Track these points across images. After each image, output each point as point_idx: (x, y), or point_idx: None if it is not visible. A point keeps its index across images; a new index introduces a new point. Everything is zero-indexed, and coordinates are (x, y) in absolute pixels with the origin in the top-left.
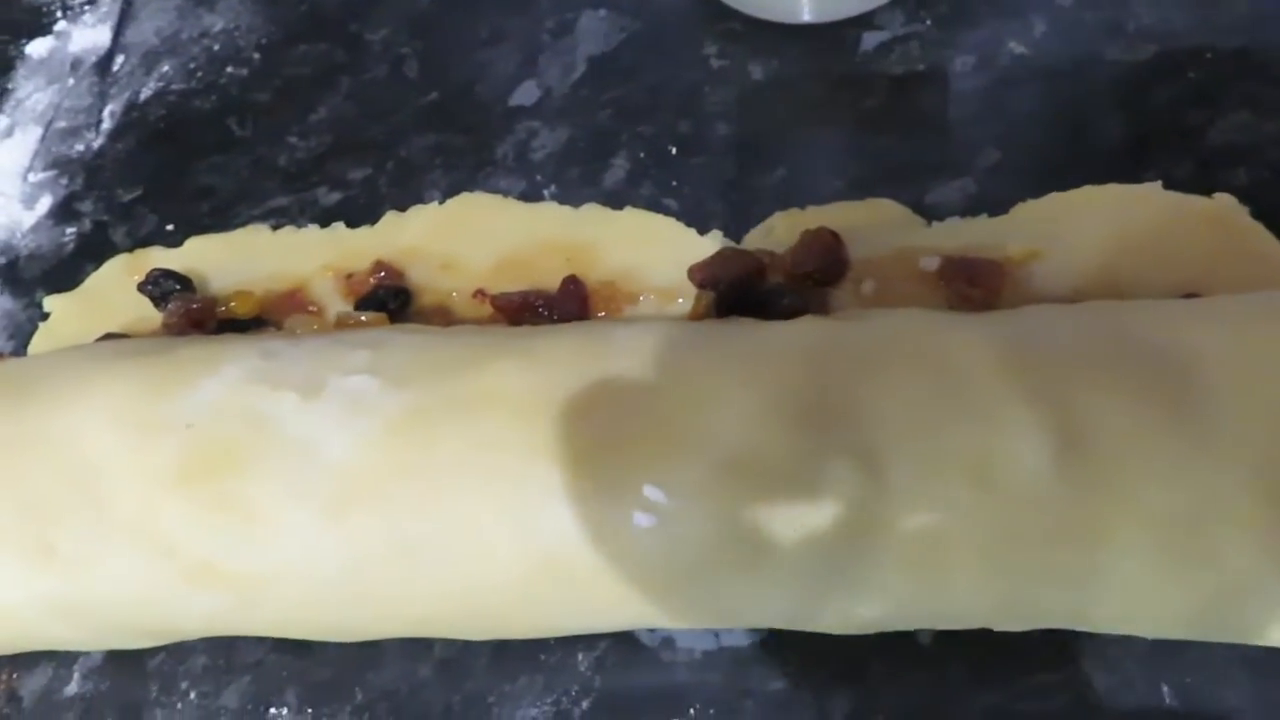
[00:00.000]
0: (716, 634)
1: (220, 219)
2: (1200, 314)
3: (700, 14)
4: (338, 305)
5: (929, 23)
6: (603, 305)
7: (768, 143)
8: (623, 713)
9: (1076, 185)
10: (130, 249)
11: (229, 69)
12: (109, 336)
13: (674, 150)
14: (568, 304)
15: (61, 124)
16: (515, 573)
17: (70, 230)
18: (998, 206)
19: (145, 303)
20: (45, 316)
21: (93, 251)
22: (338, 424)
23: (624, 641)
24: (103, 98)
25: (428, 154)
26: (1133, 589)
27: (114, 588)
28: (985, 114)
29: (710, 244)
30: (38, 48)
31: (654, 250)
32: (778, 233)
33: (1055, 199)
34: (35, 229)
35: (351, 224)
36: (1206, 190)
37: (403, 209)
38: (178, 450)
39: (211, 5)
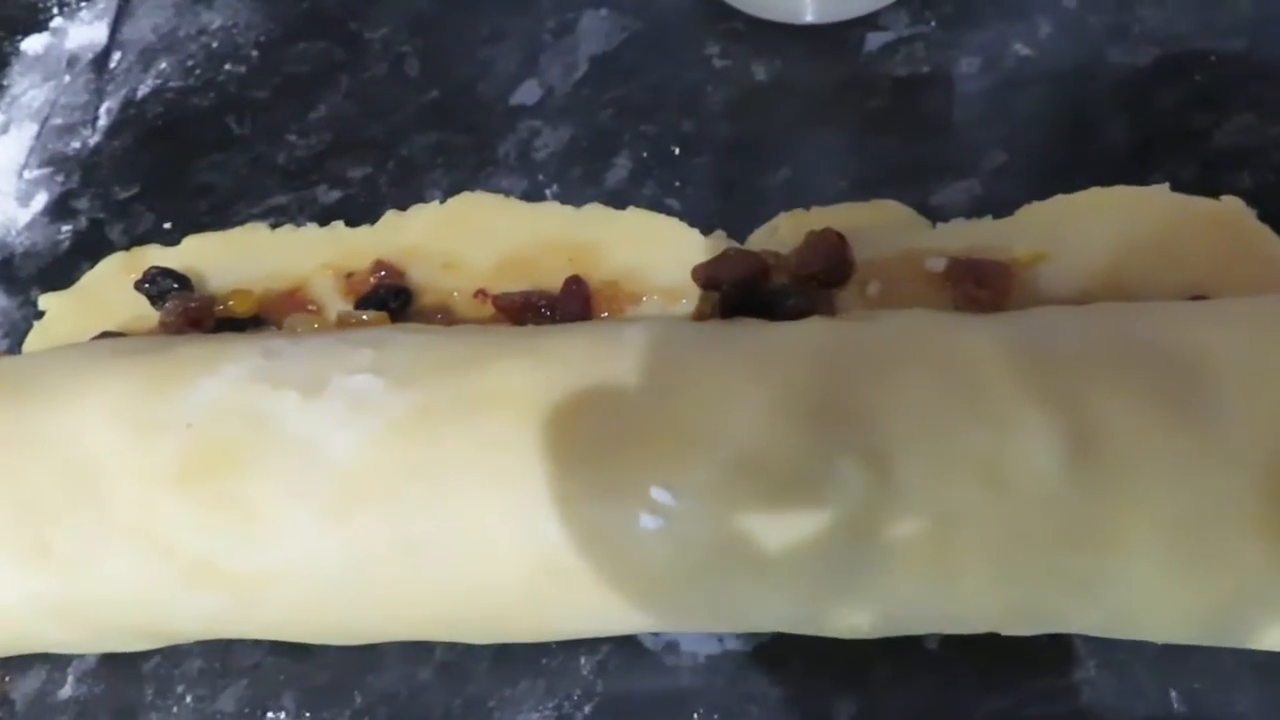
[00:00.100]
0: (720, 638)
1: (218, 217)
2: (1210, 316)
3: (702, 14)
4: (337, 304)
5: (934, 24)
6: (605, 306)
7: (771, 143)
8: (625, 717)
9: (1081, 187)
10: (127, 247)
11: (227, 66)
12: (105, 335)
13: (677, 150)
14: (570, 304)
15: (58, 121)
16: (519, 574)
17: (66, 228)
18: (1003, 208)
19: (142, 301)
20: (40, 315)
21: (89, 249)
22: (340, 423)
23: (626, 645)
24: (99, 95)
25: (429, 153)
26: (1143, 592)
27: (111, 588)
28: (990, 116)
29: (714, 244)
30: (33, 44)
31: (657, 250)
32: (782, 233)
33: (1061, 201)
34: (30, 226)
35: (351, 223)
36: (1212, 193)
37: (403, 208)
38: (177, 449)
39: (210, 2)
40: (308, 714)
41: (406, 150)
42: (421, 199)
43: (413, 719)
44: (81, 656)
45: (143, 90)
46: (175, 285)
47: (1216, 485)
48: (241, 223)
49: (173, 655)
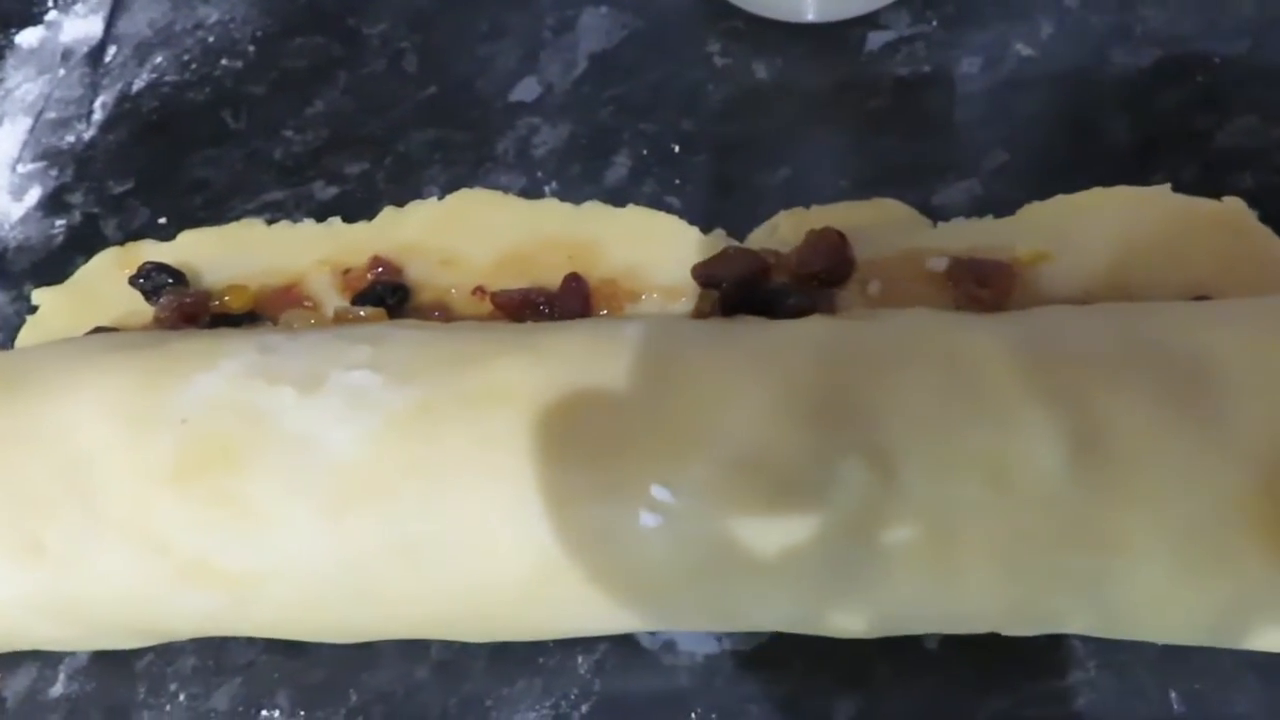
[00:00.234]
0: (719, 637)
1: (214, 212)
2: (1215, 316)
3: (703, 12)
4: (334, 301)
5: (935, 24)
6: (604, 303)
7: (771, 142)
8: (622, 717)
9: (1083, 187)
10: (121, 242)
11: (224, 61)
12: (99, 330)
13: (676, 148)
14: (569, 302)
15: (52, 115)
16: (518, 572)
17: (60, 222)
18: (1004, 208)
19: (136, 297)
20: (34, 310)
21: (83, 244)
22: (338, 419)
23: (624, 644)
24: (94, 89)
25: (427, 149)
26: (1146, 593)
27: (105, 585)
28: (992, 115)
29: (713, 243)
30: (28, 37)
31: (656, 248)
32: (782, 232)
33: (1062, 201)
34: (24, 221)
35: (349, 219)
36: (1214, 194)
37: (401, 204)
38: (172, 445)
39: None
40: (302, 712)
41: (404, 146)
42: (419, 195)
43: (408, 718)
44: (73, 654)
45: (138, 84)
46: (170, 280)
47: (1220, 486)
48: (237, 218)
49: (166, 653)
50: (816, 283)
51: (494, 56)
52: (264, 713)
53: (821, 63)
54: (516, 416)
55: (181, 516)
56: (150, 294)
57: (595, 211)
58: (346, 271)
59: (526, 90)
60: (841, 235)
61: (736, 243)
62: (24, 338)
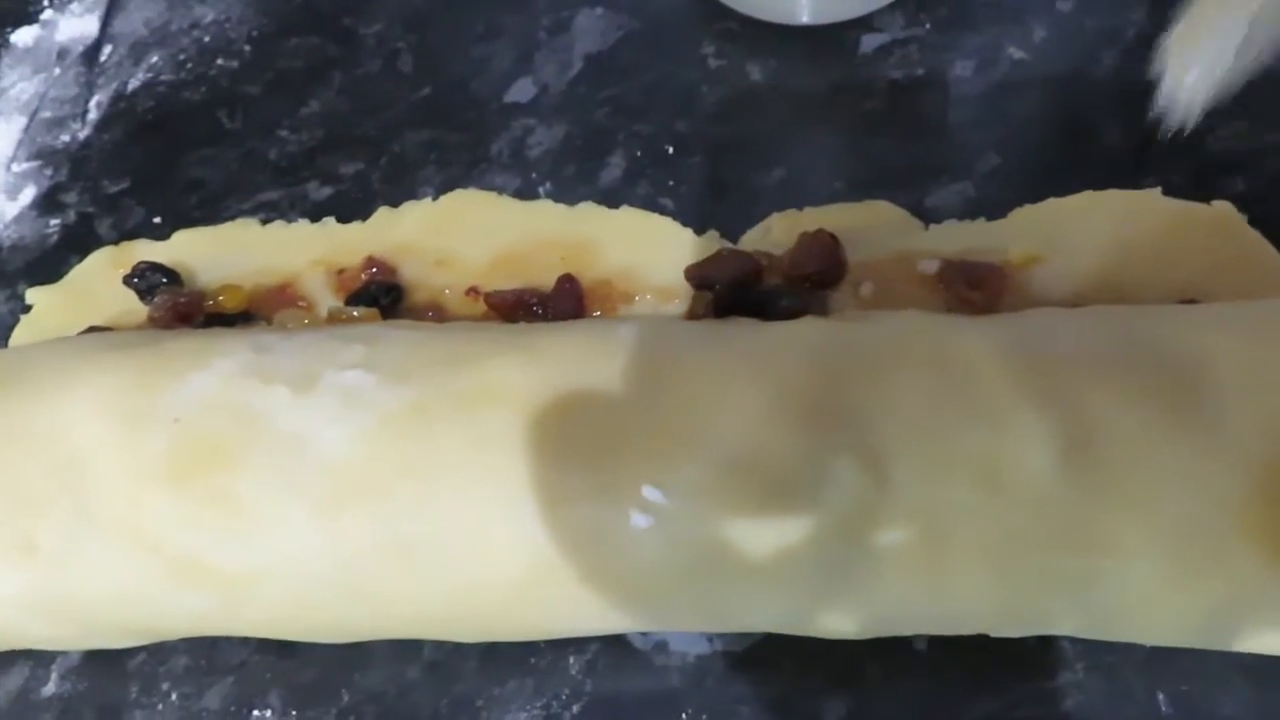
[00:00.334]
0: (710, 638)
1: (209, 212)
2: (1207, 320)
3: (698, 13)
4: (328, 300)
5: (928, 26)
6: (598, 304)
7: (765, 143)
8: (614, 717)
9: (1075, 190)
10: (116, 241)
11: (219, 61)
12: (93, 330)
13: (671, 150)
14: (563, 303)
15: (47, 114)
16: (512, 573)
17: (54, 222)
18: (996, 211)
19: (130, 296)
20: (28, 309)
21: (77, 243)
22: (332, 419)
23: (616, 645)
24: (89, 88)
25: (421, 150)
26: (1137, 594)
27: (97, 585)
28: (984, 118)
29: (707, 244)
30: (23, 36)
31: (650, 250)
32: (775, 234)
33: (1054, 204)
34: (18, 220)
35: (343, 219)
36: (1204, 198)
37: (396, 205)
38: (165, 445)
39: None
40: (294, 712)
41: (399, 147)
42: (414, 196)
43: (400, 718)
44: (65, 653)
45: (133, 84)
46: (164, 280)
47: (1211, 488)
48: (232, 218)
49: (158, 652)
50: (809, 285)
51: (489, 57)
52: (256, 712)
53: (815, 65)
54: (510, 417)
55: (175, 516)
56: (144, 293)
57: (589, 213)
58: (341, 272)
59: (521, 91)
60: (834, 237)
61: (730, 244)
62: (18, 337)
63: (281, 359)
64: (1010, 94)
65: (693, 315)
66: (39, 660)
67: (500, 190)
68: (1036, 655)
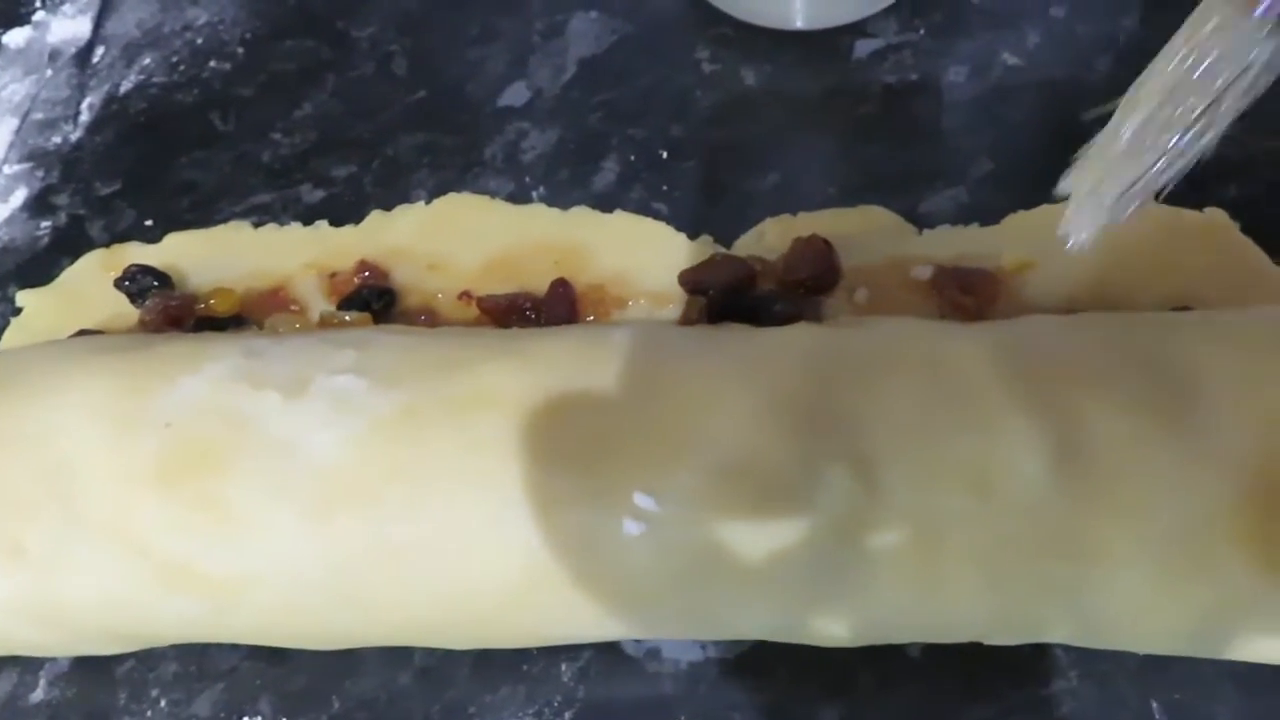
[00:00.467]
0: (703, 645)
1: (201, 215)
2: (1199, 327)
3: (692, 18)
4: (320, 305)
5: (922, 32)
6: (591, 309)
7: (759, 148)
8: None
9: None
10: (107, 244)
11: (212, 63)
12: (83, 333)
13: (665, 154)
14: (556, 307)
15: (38, 116)
16: (502, 579)
17: (45, 224)
18: (990, 216)
19: (121, 299)
20: (18, 312)
21: (68, 246)
22: (323, 424)
23: (608, 651)
24: (81, 90)
25: (415, 153)
26: (1129, 603)
27: (86, 590)
28: (978, 124)
29: (701, 249)
30: (15, 38)
31: (644, 254)
32: (769, 238)
33: (1047, 211)
34: (9, 222)
35: (336, 223)
36: (1197, 204)
37: (388, 208)
38: (155, 449)
39: None
40: (284, 719)
41: (392, 150)
42: (407, 199)
43: None
44: (54, 659)
45: (126, 86)
46: (156, 283)
47: (1202, 495)
48: (224, 221)
49: (147, 658)
50: (803, 290)
51: (483, 61)
52: (245, 719)
53: (809, 70)
54: (502, 422)
55: (164, 521)
56: (135, 296)
57: (583, 217)
58: (333, 275)
59: (515, 95)
60: (828, 243)
61: (724, 249)
62: (8, 340)
63: (272, 364)
64: (1004, 99)
65: (686, 320)
66: (27, 666)
67: (494, 194)
68: (1030, 663)
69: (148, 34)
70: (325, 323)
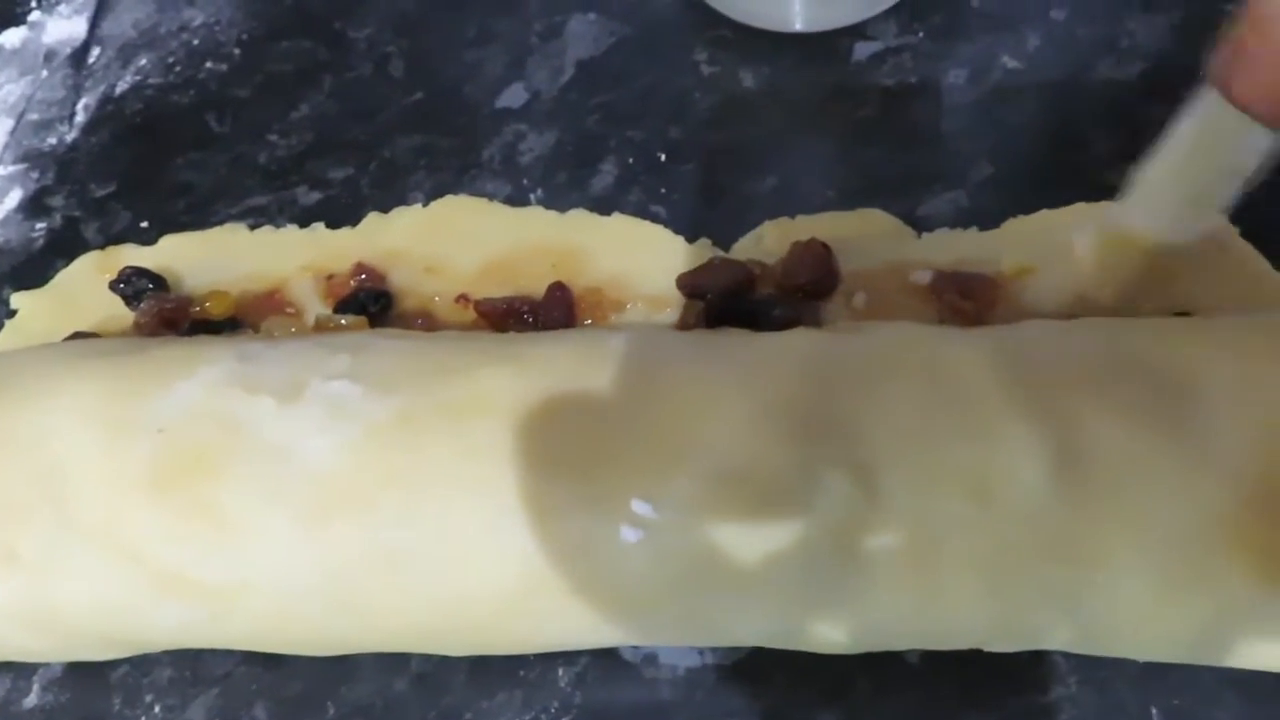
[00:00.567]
0: (700, 651)
1: (197, 217)
2: (1198, 333)
3: (691, 20)
4: (316, 307)
5: (922, 35)
6: (589, 312)
7: (758, 151)
8: None
9: (1068, 201)
10: (102, 246)
11: (208, 64)
12: (78, 335)
13: (663, 157)
14: (553, 311)
15: (33, 116)
16: (499, 586)
17: (40, 225)
18: (989, 220)
19: (116, 302)
20: (12, 314)
21: (63, 248)
22: (318, 429)
23: (605, 657)
24: (77, 90)
25: (412, 155)
26: (1128, 609)
27: (79, 595)
28: (978, 127)
29: (699, 253)
30: (10, 38)
31: (642, 258)
32: (767, 242)
33: (1046, 215)
34: (4, 224)
35: (332, 225)
36: None
37: (385, 210)
38: (149, 454)
39: None
40: None
41: (389, 152)
42: (404, 201)
43: None
44: (47, 665)
45: (121, 87)
46: (151, 285)
47: (1202, 502)
48: (220, 223)
49: (141, 664)
50: (802, 295)
51: (481, 62)
52: None
53: (808, 72)
54: (498, 427)
55: (158, 526)
56: (130, 299)
57: (581, 220)
58: (329, 278)
59: (513, 97)
60: (826, 247)
61: (722, 253)
62: (2, 342)
63: (267, 368)
64: (1004, 103)
65: (684, 325)
66: (20, 672)
67: (491, 196)
68: (1029, 669)
69: (143, 35)
70: (321, 326)
